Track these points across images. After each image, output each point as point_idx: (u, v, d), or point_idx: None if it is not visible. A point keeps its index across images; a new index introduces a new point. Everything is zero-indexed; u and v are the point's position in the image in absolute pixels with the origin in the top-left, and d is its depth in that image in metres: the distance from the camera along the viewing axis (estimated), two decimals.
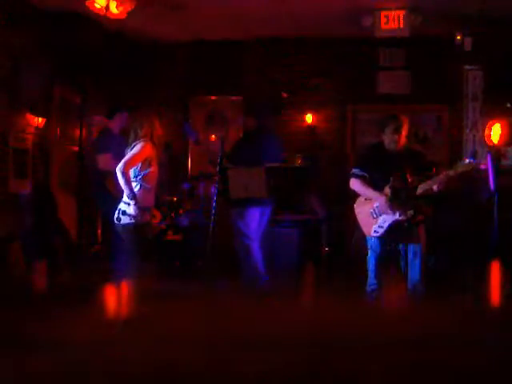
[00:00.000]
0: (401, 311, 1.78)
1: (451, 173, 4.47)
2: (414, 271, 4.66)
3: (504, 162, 6.85)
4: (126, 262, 4.48)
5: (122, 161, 4.44)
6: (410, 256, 4.69)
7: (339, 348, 1.46)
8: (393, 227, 4.69)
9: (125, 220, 4.40)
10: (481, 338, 1.47)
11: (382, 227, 4.74)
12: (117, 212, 4.44)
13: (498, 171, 5.60)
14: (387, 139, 4.80)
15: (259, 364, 1.38)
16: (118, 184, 4.58)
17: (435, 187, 4.54)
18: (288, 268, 6.09)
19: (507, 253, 4.93)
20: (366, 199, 4.89)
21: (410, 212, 4.63)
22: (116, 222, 4.44)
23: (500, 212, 5.29)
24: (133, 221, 4.39)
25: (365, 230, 4.88)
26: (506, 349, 1.38)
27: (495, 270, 4.54)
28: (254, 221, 5.29)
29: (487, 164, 5.50)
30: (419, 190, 4.58)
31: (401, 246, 4.81)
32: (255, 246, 5.28)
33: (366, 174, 4.82)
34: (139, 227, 4.43)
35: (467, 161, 4.48)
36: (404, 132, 4.78)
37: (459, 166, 4.46)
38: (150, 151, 4.52)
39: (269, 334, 1.53)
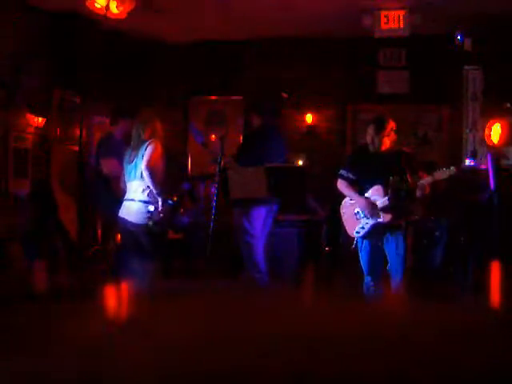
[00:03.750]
0: (399, 311, 1.78)
1: (429, 179, 4.54)
2: (396, 270, 4.72)
3: (504, 162, 6.85)
4: (141, 264, 4.49)
5: (145, 160, 4.52)
6: (393, 255, 4.73)
7: (339, 348, 1.45)
8: (374, 229, 4.76)
9: (152, 220, 4.47)
10: (481, 338, 1.47)
11: (363, 228, 4.80)
12: (143, 214, 4.49)
13: (498, 171, 5.60)
14: (371, 142, 4.82)
15: (259, 364, 1.38)
16: (122, 186, 4.64)
17: (418, 193, 4.60)
18: (288, 268, 6.09)
19: (507, 253, 4.93)
20: (351, 200, 4.94)
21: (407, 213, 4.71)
22: (143, 223, 4.48)
23: (500, 212, 5.29)
24: (158, 219, 4.47)
25: (348, 230, 4.95)
26: (506, 350, 1.38)
27: (495, 270, 4.54)
28: (260, 220, 5.28)
29: (487, 164, 5.50)
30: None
31: (384, 245, 4.82)
32: (259, 246, 5.27)
33: (351, 176, 4.88)
34: (161, 226, 4.52)
35: (448, 168, 4.53)
36: (387, 134, 4.77)
37: (437, 174, 4.52)
38: (160, 150, 4.62)
39: (269, 334, 1.53)
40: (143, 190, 4.62)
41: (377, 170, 4.73)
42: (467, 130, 7.11)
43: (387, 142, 4.79)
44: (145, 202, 4.49)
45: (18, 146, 6.07)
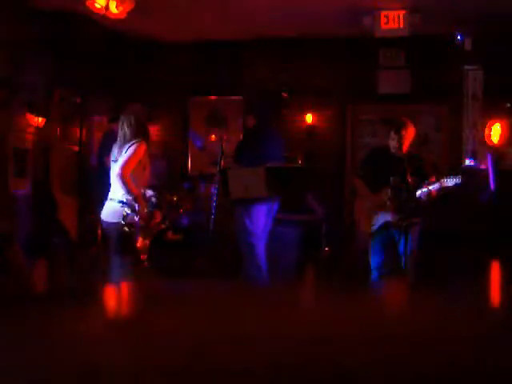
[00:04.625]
0: (400, 309, 1.78)
1: (437, 186, 4.68)
2: (401, 270, 4.84)
3: (504, 162, 6.85)
4: (120, 263, 4.46)
5: (119, 166, 4.36)
6: (398, 255, 4.87)
7: (339, 347, 1.46)
8: (384, 226, 4.94)
9: (124, 221, 4.38)
10: (480, 338, 1.47)
11: (374, 225, 4.99)
12: (116, 214, 4.39)
13: (498, 171, 5.60)
14: (390, 144, 5.00)
15: (259, 363, 1.38)
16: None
17: (425, 199, 4.74)
18: (288, 267, 6.09)
19: (507, 253, 4.94)
20: (366, 198, 5.09)
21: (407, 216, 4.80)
22: (115, 221, 4.39)
23: (500, 212, 5.29)
24: (133, 221, 4.37)
25: (361, 225, 5.13)
26: (506, 349, 1.38)
27: (495, 270, 4.55)
28: (261, 218, 5.26)
29: (487, 164, 5.51)
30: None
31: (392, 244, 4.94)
32: (260, 245, 5.26)
33: (365, 176, 5.07)
34: (129, 228, 4.40)
35: (452, 178, 4.64)
36: (406, 138, 4.92)
37: (444, 181, 4.63)
38: (143, 152, 4.43)
39: (269, 334, 1.53)
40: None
41: (393, 171, 4.87)
42: (467, 130, 7.11)
43: (407, 146, 4.96)
44: (122, 202, 4.36)
45: (18, 146, 6.07)
